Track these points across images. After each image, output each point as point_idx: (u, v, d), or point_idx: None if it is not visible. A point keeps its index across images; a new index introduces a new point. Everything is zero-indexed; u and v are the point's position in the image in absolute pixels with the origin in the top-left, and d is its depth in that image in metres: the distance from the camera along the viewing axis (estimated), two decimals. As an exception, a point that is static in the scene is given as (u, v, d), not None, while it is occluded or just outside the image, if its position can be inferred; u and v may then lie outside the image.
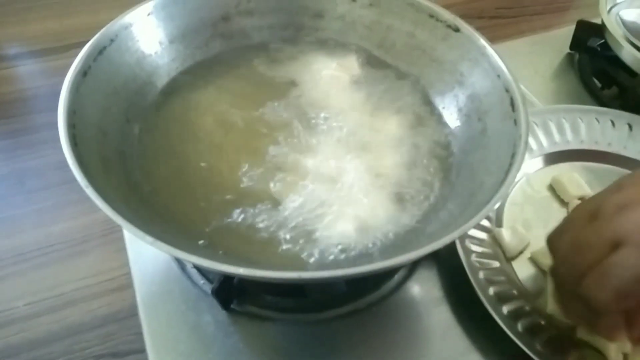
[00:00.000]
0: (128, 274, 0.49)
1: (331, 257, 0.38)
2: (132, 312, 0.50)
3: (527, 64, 0.71)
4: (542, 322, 0.44)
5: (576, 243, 0.38)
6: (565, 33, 0.73)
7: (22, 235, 0.71)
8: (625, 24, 0.65)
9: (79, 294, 0.64)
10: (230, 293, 0.44)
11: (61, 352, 0.59)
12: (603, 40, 0.66)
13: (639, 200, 0.36)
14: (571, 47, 0.72)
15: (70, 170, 0.34)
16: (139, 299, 0.46)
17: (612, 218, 0.36)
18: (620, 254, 0.35)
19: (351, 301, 0.46)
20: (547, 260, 0.48)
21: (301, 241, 0.40)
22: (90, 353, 0.59)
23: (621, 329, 0.39)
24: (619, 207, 0.36)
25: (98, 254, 0.68)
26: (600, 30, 0.66)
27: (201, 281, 0.47)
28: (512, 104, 0.42)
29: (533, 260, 0.49)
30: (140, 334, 0.45)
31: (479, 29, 0.48)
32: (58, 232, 0.72)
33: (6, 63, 1.03)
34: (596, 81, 0.68)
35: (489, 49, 0.46)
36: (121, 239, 0.51)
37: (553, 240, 0.41)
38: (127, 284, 0.49)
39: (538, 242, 0.50)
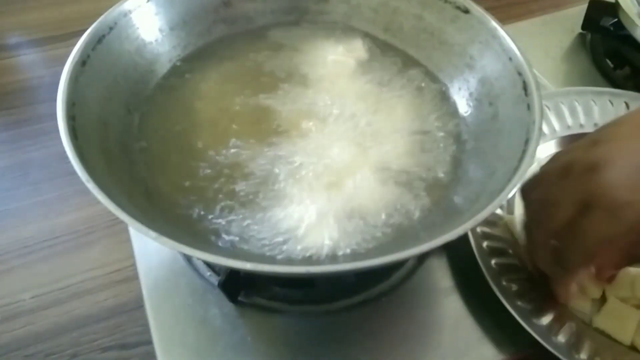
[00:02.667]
0: (134, 265, 0.48)
1: (339, 250, 0.37)
2: (139, 304, 0.49)
3: (538, 45, 0.69)
4: (556, 312, 0.43)
5: (547, 200, 0.38)
6: (576, 12, 0.71)
7: (27, 227, 0.71)
8: (639, 1, 0.63)
9: (86, 286, 0.64)
10: (237, 285, 0.43)
11: (68, 345, 0.59)
12: (616, 19, 0.64)
13: (609, 159, 0.35)
14: (583, 27, 0.70)
15: (74, 162, 0.33)
16: (144, 292, 0.46)
17: (582, 177, 0.35)
18: (589, 217, 0.35)
19: (360, 292, 0.45)
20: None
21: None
22: (98, 345, 0.59)
23: (573, 294, 0.41)
24: (589, 166, 0.35)
25: (104, 245, 0.68)
26: (613, 8, 0.64)
27: (207, 273, 0.46)
28: (525, 88, 0.41)
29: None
30: (147, 326, 0.45)
31: (487, 9, 0.47)
32: (63, 224, 0.71)
33: (7, 53, 1.02)
34: (609, 62, 0.66)
35: (500, 31, 0.45)
36: (126, 230, 0.51)
37: (526, 192, 0.41)
38: (133, 276, 0.48)
39: (551, 229, 0.49)
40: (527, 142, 0.37)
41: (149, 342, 0.44)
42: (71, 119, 0.37)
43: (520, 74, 0.42)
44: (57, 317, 0.61)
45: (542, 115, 0.38)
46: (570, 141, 0.56)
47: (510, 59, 0.43)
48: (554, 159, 0.40)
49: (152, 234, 0.30)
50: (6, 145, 0.83)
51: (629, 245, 0.36)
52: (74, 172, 0.32)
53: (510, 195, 0.33)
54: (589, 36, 0.70)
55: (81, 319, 0.60)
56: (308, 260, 0.36)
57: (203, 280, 0.46)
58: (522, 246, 0.47)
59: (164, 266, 0.47)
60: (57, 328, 0.59)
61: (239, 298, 0.44)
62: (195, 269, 0.47)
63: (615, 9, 0.63)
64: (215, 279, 0.45)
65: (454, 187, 0.41)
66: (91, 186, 0.32)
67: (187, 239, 0.37)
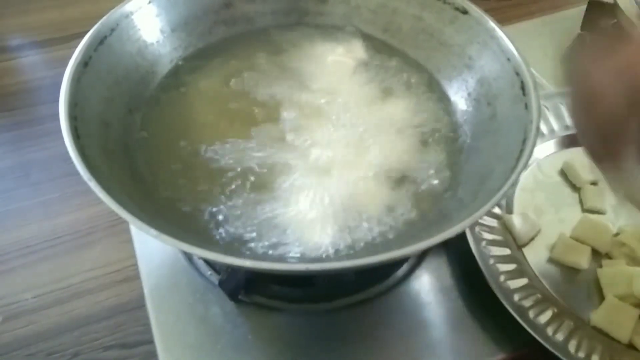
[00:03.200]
0: (135, 264, 0.48)
1: (338, 248, 0.38)
2: (140, 303, 0.49)
3: (537, 45, 0.69)
4: (555, 310, 0.43)
5: (592, 87, 0.32)
6: (576, 13, 0.71)
7: (28, 228, 0.71)
8: (638, 3, 0.63)
9: (87, 286, 0.64)
10: (237, 284, 0.44)
11: (70, 344, 0.59)
12: (615, 20, 0.64)
13: None
14: (582, 28, 0.70)
15: (75, 162, 0.33)
16: (146, 291, 0.46)
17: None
18: None
19: (360, 290, 0.46)
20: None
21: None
22: (100, 344, 0.59)
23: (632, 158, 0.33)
24: None
25: (105, 245, 0.68)
26: (612, 9, 0.64)
27: (208, 272, 0.47)
28: (523, 88, 0.41)
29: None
30: (149, 325, 0.45)
31: (487, 11, 0.47)
32: (64, 224, 0.71)
33: (8, 54, 1.02)
34: (608, 62, 0.66)
35: (498, 32, 0.45)
36: (128, 230, 0.51)
37: (569, 66, 0.34)
38: (134, 275, 0.49)
39: (549, 228, 0.49)
40: (524, 141, 0.37)
41: (150, 341, 0.44)
42: (73, 119, 0.37)
43: (518, 74, 0.42)
44: (59, 316, 0.61)
45: (540, 114, 0.38)
46: (570, 141, 0.56)
47: (508, 59, 0.43)
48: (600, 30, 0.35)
49: (153, 231, 0.30)
50: (7, 146, 0.83)
51: None
52: (75, 173, 0.33)
53: (506, 193, 0.34)
54: (588, 37, 0.70)
55: (82, 319, 0.60)
56: (307, 258, 0.37)
57: (204, 280, 0.46)
58: (520, 244, 0.48)
59: (165, 266, 0.48)
60: (59, 327, 0.59)
61: (239, 297, 0.45)
62: (196, 268, 0.47)
63: (614, 10, 0.64)
64: (215, 278, 0.46)
65: (452, 186, 0.41)
66: (93, 185, 0.32)
67: (188, 237, 0.37)
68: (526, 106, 0.40)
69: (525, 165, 0.35)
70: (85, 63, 0.41)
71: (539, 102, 0.39)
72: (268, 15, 0.54)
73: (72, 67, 0.40)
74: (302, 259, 0.37)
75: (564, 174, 0.54)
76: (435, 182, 0.42)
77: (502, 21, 0.46)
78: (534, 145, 0.36)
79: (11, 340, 0.58)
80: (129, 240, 0.50)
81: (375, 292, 0.46)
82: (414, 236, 0.37)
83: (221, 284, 0.43)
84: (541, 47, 0.70)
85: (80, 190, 0.71)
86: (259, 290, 0.45)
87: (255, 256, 0.37)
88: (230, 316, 0.44)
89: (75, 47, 0.41)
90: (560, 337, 0.41)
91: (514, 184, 0.51)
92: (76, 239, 0.68)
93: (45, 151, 0.79)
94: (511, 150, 0.38)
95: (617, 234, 0.49)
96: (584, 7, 0.70)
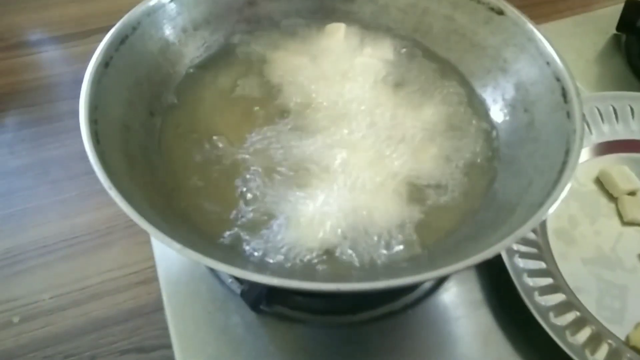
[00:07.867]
0: (153, 266, 0.48)
1: (369, 262, 0.36)
2: (158, 306, 0.48)
3: (570, 46, 0.67)
4: (592, 329, 0.41)
5: None
6: (610, 13, 0.69)
7: (46, 226, 0.71)
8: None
9: (104, 287, 0.63)
10: (259, 295, 0.42)
11: (87, 347, 0.59)
12: (655, 21, 0.62)
13: None
14: (618, 28, 0.67)
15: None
16: (165, 297, 0.45)
17: None
18: None
19: (385, 303, 0.44)
20: None
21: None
22: (116, 348, 0.58)
23: None
24: None
25: (123, 245, 0.67)
26: (652, 10, 0.61)
27: (229, 280, 0.45)
28: (564, 95, 0.39)
29: None
30: (166, 329, 0.44)
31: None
32: (83, 224, 0.71)
33: (28, 50, 1.02)
34: (646, 65, 0.64)
35: (537, 34, 0.43)
36: (146, 231, 0.50)
37: None
38: (152, 277, 0.47)
39: (585, 241, 0.47)
40: (567, 152, 0.35)
41: (168, 345, 0.43)
42: (94, 122, 0.36)
43: (558, 79, 0.40)
44: (76, 318, 0.60)
45: (584, 124, 0.36)
46: (606, 148, 0.54)
47: (547, 63, 0.41)
48: None
49: (176, 245, 0.29)
50: (27, 143, 0.83)
51: None
52: (93, 172, 0.32)
53: (552, 210, 0.32)
54: (624, 37, 0.67)
55: (100, 321, 0.59)
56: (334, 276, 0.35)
57: (224, 288, 0.45)
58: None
59: (185, 271, 0.46)
60: (76, 330, 0.59)
61: (261, 307, 0.43)
62: (216, 275, 0.46)
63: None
64: (236, 287, 0.44)
65: (486, 199, 0.39)
66: (113, 194, 0.31)
67: (210, 247, 0.36)
68: (568, 115, 0.37)
69: (570, 179, 0.33)
70: (106, 63, 0.39)
71: (582, 110, 0.37)
72: (292, 14, 0.52)
73: (93, 68, 0.38)
74: (326, 275, 0.35)
75: (599, 182, 0.52)
76: (468, 193, 0.40)
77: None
78: (578, 157, 0.34)
79: (29, 342, 0.57)
80: (147, 241, 0.49)
81: (401, 305, 0.44)
82: (449, 253, 0.36)
83: (243, 294, 0.42)
84: (574, 49, 0.67)
85: (99, 189, 0.70)
86: (281, 301, 0.44)
87: (279, 268, 0.35)
88: (252, 326, 0.43)
89: (95, 42, 0.39)
90: (598, 358, 0.39)
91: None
92: (94, 239, 0.67)
93: (64, 148, 0.79)
94: (552, 161, 0.36)
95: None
96: (618, 6, 0.67)
